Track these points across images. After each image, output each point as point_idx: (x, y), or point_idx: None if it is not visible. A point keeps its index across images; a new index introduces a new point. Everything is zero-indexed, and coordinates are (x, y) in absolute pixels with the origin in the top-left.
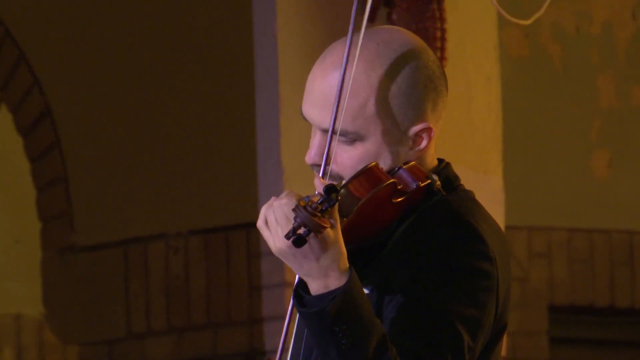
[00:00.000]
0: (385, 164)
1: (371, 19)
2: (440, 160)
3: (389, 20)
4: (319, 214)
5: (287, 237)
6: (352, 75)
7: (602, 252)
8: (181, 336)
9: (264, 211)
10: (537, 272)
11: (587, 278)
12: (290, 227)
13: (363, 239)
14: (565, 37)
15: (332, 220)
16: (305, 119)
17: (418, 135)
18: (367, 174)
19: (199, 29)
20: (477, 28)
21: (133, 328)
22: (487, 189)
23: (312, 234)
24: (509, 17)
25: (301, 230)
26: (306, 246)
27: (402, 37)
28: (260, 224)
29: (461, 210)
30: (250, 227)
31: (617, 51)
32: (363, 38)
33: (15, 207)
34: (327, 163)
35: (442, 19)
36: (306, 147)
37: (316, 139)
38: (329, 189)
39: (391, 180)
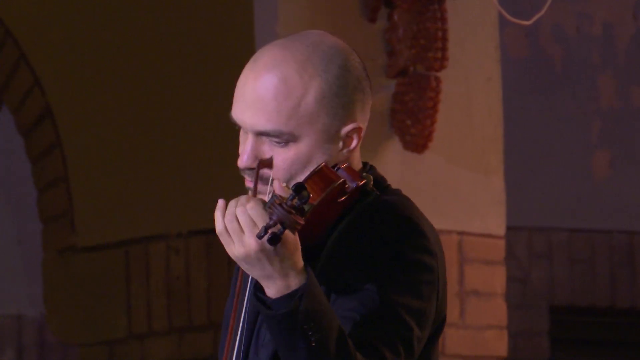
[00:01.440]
0: (317, 164)
1: (372, 20)
2: (364, 163)
3: (390, 21)
4: (294, 211)
5: (260, 236)
6: (284, 77)
7: (602, 253)
8: (182, 337)
9: (220, 217)
10: (537, 272)
11: (587, 278)
12: (260, 227)
13: (307, 240)
14: (565, 37)
15: (304, 218)
16: (235, 123)
17: (348, 135)
18: (320, 174)
19: (201, 30)
20: (477, 28)
21: (134, 328)
22: (488, 190)
23: (286, 232)
24: (509, 17)
25: (276, 228)
26: (273, 248)
27: (330, 39)
28: (220, 229)
29: (401, 208)
30: None
31: (617, 52)
32: (290, 40)
33: (16, 207)
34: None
35: (443, 20)
36: None
37: (248, 143)
38: (299, 187)
39: (342, 180)
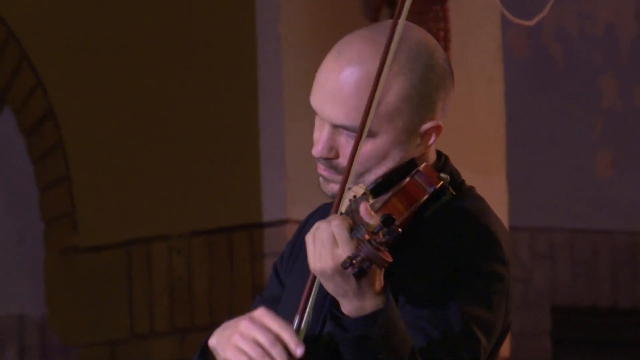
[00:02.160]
0: (393, 160)
1: (374, 20)
2: (439, 154)
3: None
4: (382, 248)
5: (345, 266)
6: (368, 73)
7: (604, 253)
8: (184, 337)
9: (316, 226)
10: (539, 273)
11: (589, 279)
12: (343, 254)
13: None
14: (568, 37)
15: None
16: (315, 110)
17: (427, 133)
18: (404, 192)
19: (203, 30)
20: (480, 29)
21: (136, 329)
22: (490, 190)
23: (373, 266)
24: (512, 17)
25: (363, 264)
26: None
27: (417, 34)
28: (308, 237)
29: (476, 214)
30: (254, 228)
31: (619, 52)
32: (377, 33)
33: (18, 207)
34: (350, 163)
35: (446, 20)
36: (310, 147)
37: (325, 133)
38: (387, 220)
39: (426, 196)
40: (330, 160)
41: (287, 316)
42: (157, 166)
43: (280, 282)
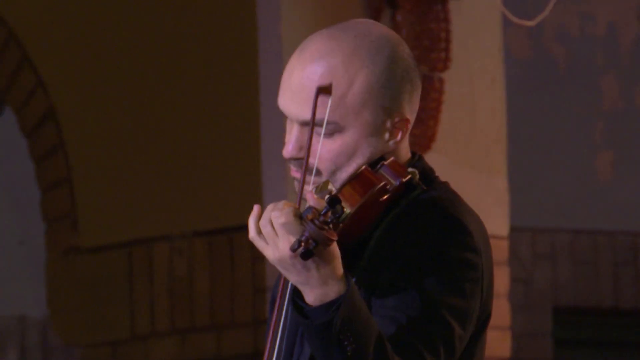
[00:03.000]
0: (363, 156)
1: (375, 20)
2: (413, 153)
3: (393, 21)
4: (326, 227)
5: (293, 249)
6: (330, 68)
7: (606, 254)
8: (185, 338)
9: (253, 222)
10: (541, 273)
11: (591, 279)
12: (294, 238)
13: (350, 240)
14: (569, 38)
15: (336, 232)
16: (283, 112)
17: (395, 127)
18: (359, 179)
19: (204, 30)
20: (481, 29)
21: (137, 329)
22: (491, 191)
23: (319, 247)
24: (513, 18)
25: (309, 244)
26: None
27: (378, 29)
28: (252, 235)
29: (445, 204)
30: None
31: (621, 52)
32: (338, 30)
33: (20, 208)
34: (307, 155)
35: (447, 20)
36: None
37: (294, 133)
38: (333, 200)
39: (382, 184)
40: (301, 160)
41: (266, 342)
42: (158, 167)
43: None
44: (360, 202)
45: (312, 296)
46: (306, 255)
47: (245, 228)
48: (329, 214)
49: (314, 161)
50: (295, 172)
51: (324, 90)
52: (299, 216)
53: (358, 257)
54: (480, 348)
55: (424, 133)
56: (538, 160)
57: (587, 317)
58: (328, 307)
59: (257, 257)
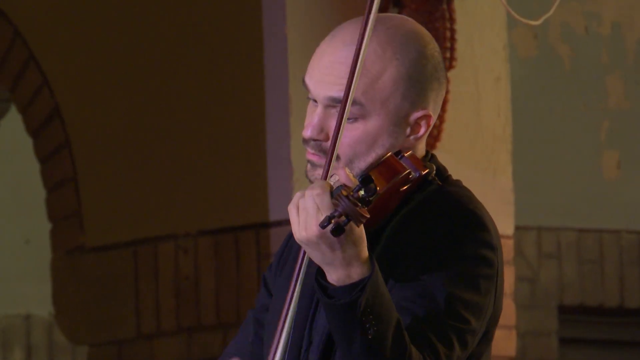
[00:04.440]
0: (382, 146)
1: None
2: (426, 152)
3: None
4: (360, 204)
5: (323, 225)
6: (363, 53)
7: (611, 253)
8: (191, 337)
9: (299, 195)
10: (546, 272)
11: (596, 278)
12: (325, 215)
13: (367, 225)
14: (574, 37)
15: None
16: (308, 89)
17: (417, 122)
18: (386, 164)
19: (209, 30)
20: (486, 28)
21: (142, 328)
22: (496, 190)
23: (350, 223)
24: (518, 17)
25: (341, 220)
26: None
27: (411, 25)
28: (291, 207)
29: (463, 200)
30: (260, 227)
31: (626, 52)
32: (375, 22)
33: (25, 207)
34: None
35: (452, 19)
36: None
37: (316, 114)
38: (366, 179)
39: (407, 171)
40: (319, 142)
41: (275, 319)
42: (163, 166)
43: (268, 292)
44: (387, 186)
45: (335, 276)
46: (337, 231)
47: (250, 227)
48: (362, 192)
49: (332, 146)
50: (311, 155)
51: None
52: (332, 193)
53: (372, 247)
54: (489, 346)
55: (429, 132)
56: (543, 159)
57: (593, 316)
58: (352, 287)
59: (263, 255)
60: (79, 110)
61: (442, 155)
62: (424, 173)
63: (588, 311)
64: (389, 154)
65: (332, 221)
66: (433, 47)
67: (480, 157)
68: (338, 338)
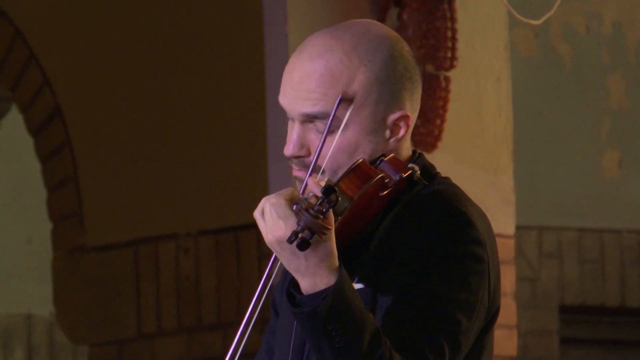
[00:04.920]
0: (364, 153)
1: (382, 19)
2: (413, 151)
3: (400, 20)
4: (322, 216)
5: (290, 241)
6: (329, 66)
7: (612, 252)
8: (191, 336)
9: (263, 202)
10: (547, 272)
11: (597, 278)
12: (283, 222)
13: (351, 235)
14: (575, 37)
15: (332, 221)
16: (284, 108)
17: (396, 124)
18: (357, 171)
19: (210, 29)
20: (487, 28)
21: (143, 328)
22: (497, 189)
23: (315, 236)
24: (519, 17)
25: (305, 234)
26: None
27: (377, 28)
28: (256, 214)
29: (449, 197)
30: None
31: (627, 51)
32: (337, 30)
33: (26, 207)
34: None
35: (453, 19)
36: None
37: (295, 131)
38: (328, 190)
39: (380, 175)
40: (302, 158)
41: (282, 339)
42: (164, 165)
43: (276, 313)
44: (358, 193)
45: (304, 284)
46: (302, 245)
47: (251, 227)
48: (325, 203)
49: (315, 159)
50: (297, 172)
51: (346, 99)
52: (294, 204)
53: (362, 253)
54: (490, 342)
55: (430, 132)
56: (544, 158)
57: (593, 315)
58: (316, 296)
59: (264, 255)
60: (79, 110)
61: (443, 154)
62: (405, 175)
63: (589, 311)
64: (359, 161)
65: (299, 236)
66: (401, 47)
67: (481, 157)
68: (312, 348)
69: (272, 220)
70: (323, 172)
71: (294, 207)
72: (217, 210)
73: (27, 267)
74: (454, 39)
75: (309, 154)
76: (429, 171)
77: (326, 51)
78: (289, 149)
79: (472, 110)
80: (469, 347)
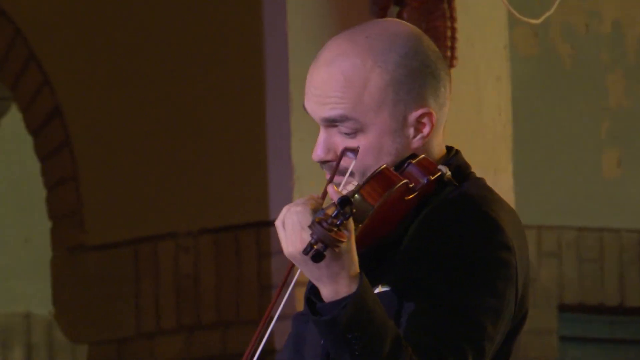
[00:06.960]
0: (389, 154)
1: (381, 17)
2: (449, 149)
3: (399, 19)
4: (335, 229)
5: (306, 252)
6: (342, 71)
7: (611, 251)
8: (191, 335)
9: (284, 212)
10: (546, 271)
11: (596, 277)
12: (306, 241)
13: (377, 240)
14: (575, 36)
15: (347, 233)
16: (309, 114)
17: (419, 121)
18: (378, 178)
19: (210, 29)
20: (487, 27)
21: (142, 327)
22: (497, 188)
23: (329, 249)
24: (519, 16)
25: (319, 246)
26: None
27: (394, 27)
28: (278, 223)
29: (477, 201)
30: (261, 226)
31: (626, 50)
32: (353, 32)
33: (25, 206)
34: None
35: (453, 18)
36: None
37: (320, 135)
38: (343, 202)
39: (403, 182)
40: (329, 162)
41: (311, 348)
42: (164, 164)
43: None
44: (380, 201)
45: (325, 292)
46: (316, 257)
47: (251, 226)
48: (339, 215)
49: (335, 168)
50: (328, 176)
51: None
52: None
53: (390, 257)
54: (517, 345)
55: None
56: (543, 157)
57: (593, 314)
58: (336, 304)
59: (263, 254)
60: (79, 109)
61: None
62: (433, 178)
63: (588, 310)
64: (383, 167)
65: (313, 247)
66: (419, 43)
67: (481, 156)
68: (331, 354)
69: (293, 231)
70: (352, 174)
71: (313, 216)
72: (216, 209)
73: (26, 265)
74: (453, 38)
75: (336, 158)
76: (462, 171)
77: (340, 55)
78: (316, 154)
79: (472, 109)
80: (495, 352)
